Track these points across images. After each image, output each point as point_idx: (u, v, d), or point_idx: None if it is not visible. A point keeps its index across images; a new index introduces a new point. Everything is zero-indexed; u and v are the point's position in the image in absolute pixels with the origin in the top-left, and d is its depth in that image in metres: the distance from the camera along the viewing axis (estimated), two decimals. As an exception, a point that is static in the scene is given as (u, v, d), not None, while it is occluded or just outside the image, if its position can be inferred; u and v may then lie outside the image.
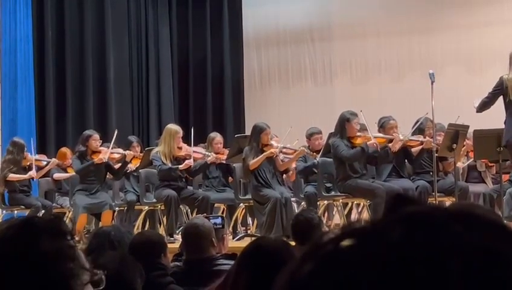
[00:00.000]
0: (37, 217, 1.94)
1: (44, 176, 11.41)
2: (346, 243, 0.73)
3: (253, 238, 9.51)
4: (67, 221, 10.90)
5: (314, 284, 0.71)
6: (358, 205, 10.15)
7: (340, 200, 9.79)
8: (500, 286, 0.69)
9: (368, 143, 9.48)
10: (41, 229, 1.77)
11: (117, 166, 10.72)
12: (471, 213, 0.74)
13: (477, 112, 8.79)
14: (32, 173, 10.73)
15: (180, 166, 10.09)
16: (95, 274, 1.83)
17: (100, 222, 10.24)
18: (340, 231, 0.74)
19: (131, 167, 10.87)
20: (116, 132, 10.90)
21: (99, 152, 10.53)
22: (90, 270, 1.82)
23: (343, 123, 9.58)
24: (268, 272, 2.87)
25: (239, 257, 2.96)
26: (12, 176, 10.63)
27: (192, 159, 10.16)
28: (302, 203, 10.17)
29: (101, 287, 1.88)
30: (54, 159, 11.36)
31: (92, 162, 10.33)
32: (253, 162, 9.71)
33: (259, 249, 2.94)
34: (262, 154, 9.74)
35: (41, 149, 12.51)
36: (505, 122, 8.60)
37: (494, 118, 9.15)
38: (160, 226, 10.68)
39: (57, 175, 11.53)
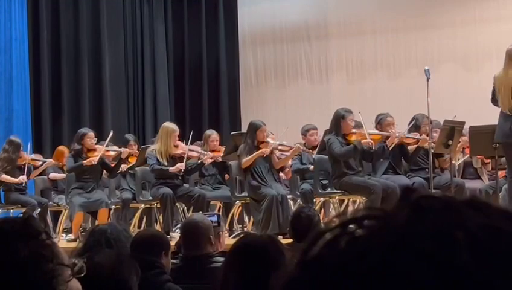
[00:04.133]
0: (7, 221, 1.88)
1: (40, 174, 11.41)
2: (353, 227, 0.74)
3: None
4: (63, 219, 10.91)
5: (321, 266, 0.72)
6: (354, 201, 10.15)
7: (337, 197, 9.80)
8: (505, 258, 0.69)
9: (362, 142, 9.48)
10: (13, 235, 1.74)
11: (113, 164, 10.73)
12: (479, 199, 0.75)
13: (492, 103, 8.78)
14: (23, 177, 10.68)
15: (171, 168, 10.08)
16: (74, 266, 1.81)
17: (96, 220, 10.24)
18: (347, 217, 0.75)
19: (124, 167, 10.86)
20: (111, 133, 10.89)
21: (95, 150, 10.53)
22: (70, 265, 1.79)
23: (338, 120, 9.59)
24: (256, 269, 2.87)
25: (227, 256, 2.96)
26: (4, 177, 10.61)
27: (184, 163, 10.14)
28: (298, 200, 10.18)
29: (82, 274, 1.85)
30: (49, 160, 11.35)
31: (80, 164, 10.34)
32: (245, 160, 9.71)
33: (245, 247, 2.94)
34: (253, 154, 9.74)
35: (37, 148, 12.50)
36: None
37: (490, 115, 9.16)
38: (156, 224, 10.68)
39: (53, 175, 11.52)
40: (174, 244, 5.85)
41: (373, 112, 10.19)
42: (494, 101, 8.55)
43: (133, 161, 10.92)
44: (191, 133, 10.45)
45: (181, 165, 10.12)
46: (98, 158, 10.36)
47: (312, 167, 10.32)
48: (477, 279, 0.68)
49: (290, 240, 6.00)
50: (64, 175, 11.35)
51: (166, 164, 10.10)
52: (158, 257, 4.46)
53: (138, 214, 10.74)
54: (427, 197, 0.74)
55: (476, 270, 0.68)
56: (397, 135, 9.61)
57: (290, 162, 10.48)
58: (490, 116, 9.12)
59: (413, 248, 0.70)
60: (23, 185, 10.84)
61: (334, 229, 0.75)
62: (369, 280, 0.70)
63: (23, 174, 10.79)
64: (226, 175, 10.87)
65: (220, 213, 9.81)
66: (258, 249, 2.89)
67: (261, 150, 9.78)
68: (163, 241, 4.71)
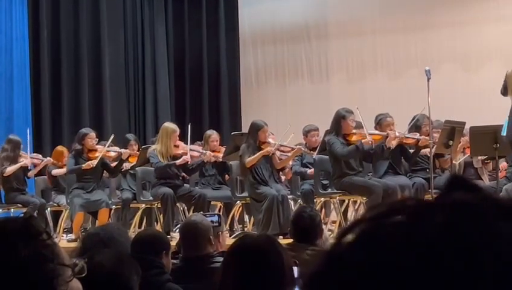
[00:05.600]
0: (8, 221, 1.87)
1: (40, 174, 11.41)
2: (388, 220, 0.73)
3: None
4: (64, 219, 10.92)
5: (353, 258, 0.72)
6: (355, 202, 10.16)
7: (337, 197, 9.79)
8: None
9: (363, 141, 9.48)
10: (14, 235, 1.73)
11: (113, 164, 10.73)
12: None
13: (502, 94, 8.78)
14: (28, 161, 10.76)
15: (177, 161, 10.07)
16: (75, 266, 1.80)
17: (97, 220, 10.25)
18: (385, 208, 0.75)
19: (126, 165, 10.86)
20: (112, 136, 10.90)
21: (95, 150, 10.53)
22: (70, 265, 1.79)
23: (339, 120, 9.58)
24: (254, 269, 2.87)
25: (225, 257, 2.96)
26: (9, 170, 10.64)
27: (189, 155, 10.15)
28: (299, 200, 10.18)
29: (83, 274, 1.85)
30: (48, 158, 11.35)
31: (79, 167, 10.36)
32: (250, 159, 9.71)
33: (243, 248, 2.94)
34: (259, 153, 9.74)
35: (37, 148, 12.49)
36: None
37: (490, 115, 9.17)
38: (157, 224, 10.68)
39: (56, 171, 11.53)
40: (174, 244, 5.85)
41: (373, 112, 10.19)
42: (505, 92, 8.58)
43: (133, 161, 10.92)
44: (189, 128, 10.40)
45: (187, 157, 10.11)
46: (96, 161, 10.36)
47: (310, 170, 10.34)
48: None
49: (290, 240, 5.99)
50: (65, 170, 11.38)
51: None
52: (158, 257, 4.46)
53: (139, 214, 10.74)
54: (465, 202, 0.73)
55: None
56: (397, 135, 9.61)
57: (290, 162, 10.48)
58: (490, 116, 9.13)
59: (439, 261, 0.69)
60: (27, 177, 10.84)
61: (368, 221, 0.75)
62: (397, 281, 0.69)
63: (24, 174, 10.86)
64: (227, 175, 10.87)
65: (221, 213, 9.81)
66: (255, 250, 2.89)
67: (266, 149, 9.77)
68: (163, 241, 4.70)
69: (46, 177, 11.62)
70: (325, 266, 0.74)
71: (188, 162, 10.18)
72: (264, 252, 2.88)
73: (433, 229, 0.71)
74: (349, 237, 0.74)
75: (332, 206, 10.39)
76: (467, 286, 0.68)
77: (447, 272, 0.69)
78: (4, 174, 10.66)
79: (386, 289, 0.69)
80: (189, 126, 10.47)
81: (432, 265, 0.69)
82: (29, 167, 10.94)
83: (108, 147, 10.68)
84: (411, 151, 9.88)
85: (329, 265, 0.74)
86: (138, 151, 11.06)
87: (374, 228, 0.73)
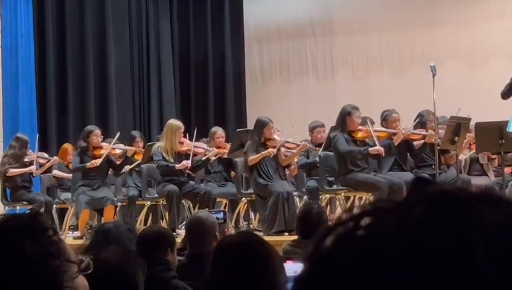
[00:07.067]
0: (14, 218, 1.87)
1: (45, 172, 11.42)
2: (365, 221, 0.73)
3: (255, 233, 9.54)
4: (69, 216, 10.93)
5: (332, 260, 0.72)
6: (360, 198, 10.15)
7: (342, 194, 9.79)
8: None
9: (371, 150, 9.37)
10: (20, 231, 1.73)
11: (119, 161, 10.74)
12: (492, 194, 0.74)
13: (502, 98, 8.76)
14: (33, 167, 10.75)
15: (177, 165, 10.06)
16: (81, 262, 1.80)
17: (102, 218, 10.26)
18: (361, 210, 0.74)
19: (127, 167, 10.87)
20: (118, 133, 10.91)
21: (101, 148, 10.54)
22: (76, 262, 1.79)
23: (344, 117, 9.57)
24: (239, 266, 2.86)
25: (211, 259, 2.96)
26: (13, 171, 10.65)
27: (190, 160, 10.13)
28: (304, 197, 10.17)
29: (89, 271, 1.85)
30: (55, 158, 11.36)
31: (84, 166, 10.37)
32: (252, 159, 9.71)
33: (223, 249, 2.94)
34: (260, 154, 9.73)
35: (43, 145, 12.50)
36: None
37: (495, 111, 9.15)
38: (162, 221, 10.68)
39: (56, 172, 11.54)
40: (180, 241, 5.85)
41: (378, 108, 10.18)
42: (505, 95, 8.55)
43: (138, 158, 10.92)
44: (195, 130, 10.43)
45: (187, 163, 10.11)
46: (101, 161, 10.37)
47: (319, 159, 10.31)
48: (493, 279, 0.68)
49: (295, 237, 5.99)
50: (68, 175, 11.38)
51: (172, 160, 10.10)
52: (164, 254, 4.47)
53: (144, 211, 10.75)
54: (441, 192, 0.73)
55: (492, 273, 0.68)
56: (403, 131, 9.60)
57: (296, 159, 10.47)
58: (495, 112, 9.11)
59: (428, 250, 0.69)
60: (33, 175, 10.88)
61: (346, 223, 0.74)
62: (380, 281, 0.69)
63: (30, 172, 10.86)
64: (232, 172, 10.87)
65: (226, 210, 9.81)
66: (238, 248, 2.89)
67: (268, 150, 9.77)
68: (168, 237, 4.71)
69: (51, 174, 11.64)
70: (307, 272, 0.74)
71: (187, 167, 10.16)
72: (247, 247, 2.88)
73: (417, 219, 0.70)
74: (329, 240, 0.74)
75: (337, 202, 10.38)
76: (462, 268, 0.68)
77: (440, 257, 0.68)
78: (7, 174, 10.66)
79: (377, 285, 0.69)
80: (195, 130, 10.46)
81: (424, 252, 0.69)
82: (35, 167, 10.91)
83: (113, 144, 10.69)
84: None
85: (311, 270, 0.74)
86: (144, 148, 11.07)
87: (353, 229, 0.73)
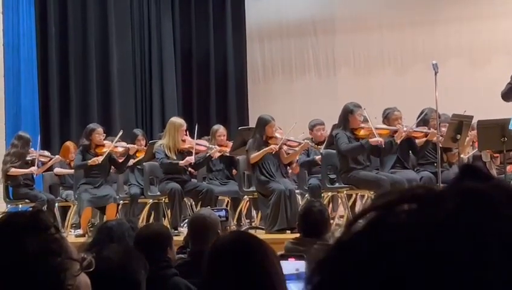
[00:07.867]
0: (16, 215, 1.87)
1: (47, 170, 11.43)
2: (398, 208, 0.73)
3: (257, 231, 9.56)
4: (72, 214, 10.94)
5: (361, 245, 0.72)
6: (362, 196, 10.15)
7: (344, 192, 9.78)
8: None
9: (371, 141, 9.40)
10: (22, 228, 1.73)
11: (121, 159, 10.75)
12: None
13: (503, 99, 8.75)
14: (34, 168, 10.74)
15: (180, 162, 10.07)
16: (84, 260, 1.80)
17: (105, 216, 10.26)
18: (395, 196, 0.74)
19: (131, 161, 10.88)
20: (121, 132, 10.91)
21: (103, 146, 10.55)
22: (78, 259, 1.79)
23: (347, 115, 9.57)
24: (229, 267, 2.86)
25: (206, 260, 2.96)
26: (14, 171, 10.65)
27: (193, 156, 10.13)
28: (306, 195, 10.17)
29: (91, 269, 1.85)
30: (57, 156, 11.37)
31: (86, 163, 10.38)
32: (254, 156, 9.71)
33: (217, 249, 2.94)
34: (262, 150, 9.73)
35: (45, 143, 12.50)
36: None
37: (497, 109, 9.14)
38: (164, 219, 10.69)
39: (58, 170, 11.54)
40: (182, 239, 5.86)
41: (380, 106, 10.18)
42: (506, 97, 8.54)
43: (140, 155, 10.93)
44: (196, 127, 10.42)
45: (191, 158, 10.11)
46: (102, 158, 10.38)
47: (318, 157, 10.31)
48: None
49: (298, 235, 5.98)
50: (70, 171, 11.39)
51: (174, 158, 10.10)
52: (164, 252, 4.48)
53: (146, 209, 10.76)
54: (476, 189, 0.73)
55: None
56: (405, 129, 9.59)
57: (297, 157, 10.47)
58: (497, 110, 9.10)
59: (449, 247, 0.69)
60: (34, 175, 10.89)
61: (377, 209, 0.74)
62: (402, 271, 0.69)
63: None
64: (234, 170, 10.87)
65: (228, 208, 9.82)
66: (229, 248, 2.89)
67: (270, 146, 9.77)
68: (166, 236, 4.71)
69: (53, 172, 11.64)
70: (334, 253, 0.74)
71: (191, 163, 10.16)
72: (242, 246, 2.88)
73: (443, 217, 0.71)
74: (359, 225, 0.74)
75: (339, 200, 10.37)
76: (475, 272, 0.68)
77: (456, 258, 0.69)
78: (8, 173, 10.67)
79: (396, 276, 0.69)
80: (196, 126, 10.45)
81: (442, 252, 0.69)
82: (36, 167, 10.89)
83: (116, 142, 10.70)
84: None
85: (338, 252, 0.74)
86: (146, 146, 11.08)
87: (384, 216, 0.73)
